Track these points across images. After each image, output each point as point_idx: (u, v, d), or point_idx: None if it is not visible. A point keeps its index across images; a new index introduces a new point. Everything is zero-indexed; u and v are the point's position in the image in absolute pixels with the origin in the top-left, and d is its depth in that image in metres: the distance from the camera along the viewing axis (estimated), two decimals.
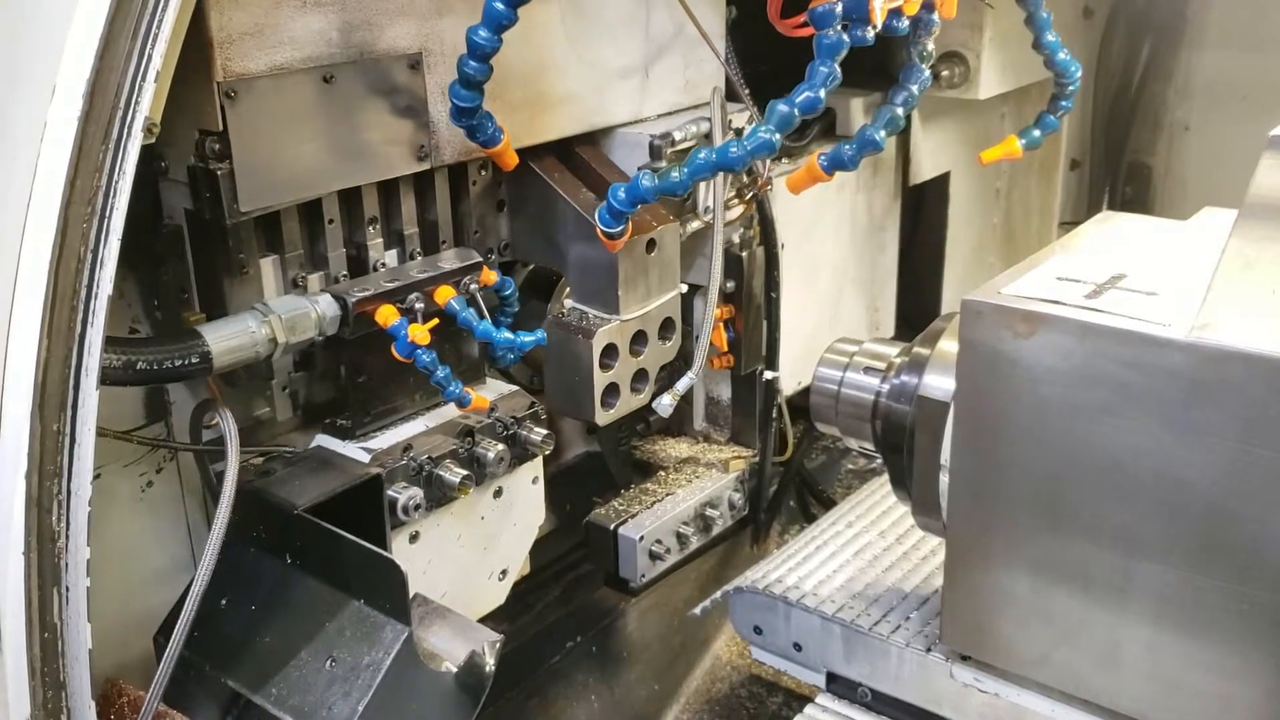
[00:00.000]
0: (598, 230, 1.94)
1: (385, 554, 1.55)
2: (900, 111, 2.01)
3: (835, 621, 2.21)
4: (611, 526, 2.36)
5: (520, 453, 2.04)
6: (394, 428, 1.92)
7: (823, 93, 1.77)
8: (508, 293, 1.99)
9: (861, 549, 2.45)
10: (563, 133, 2.15)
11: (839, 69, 1.78)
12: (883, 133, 2.00)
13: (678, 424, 2.69)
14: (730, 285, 2.46)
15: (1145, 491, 1.65)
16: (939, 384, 1.90)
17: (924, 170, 2.94)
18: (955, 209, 3.09)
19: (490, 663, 1.62)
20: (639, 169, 2.15)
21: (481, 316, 1.87)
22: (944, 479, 1.90)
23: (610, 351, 2.15)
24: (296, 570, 1.67)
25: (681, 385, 2.06)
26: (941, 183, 3.07)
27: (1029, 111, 3.18)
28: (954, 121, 3.01)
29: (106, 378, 1.46)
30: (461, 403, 1.86)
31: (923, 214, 3.09)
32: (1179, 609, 1.67)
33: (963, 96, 2.80)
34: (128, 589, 1.96)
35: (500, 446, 1.97)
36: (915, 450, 1.95)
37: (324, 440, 1.88)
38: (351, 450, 1.85)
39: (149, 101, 1.44)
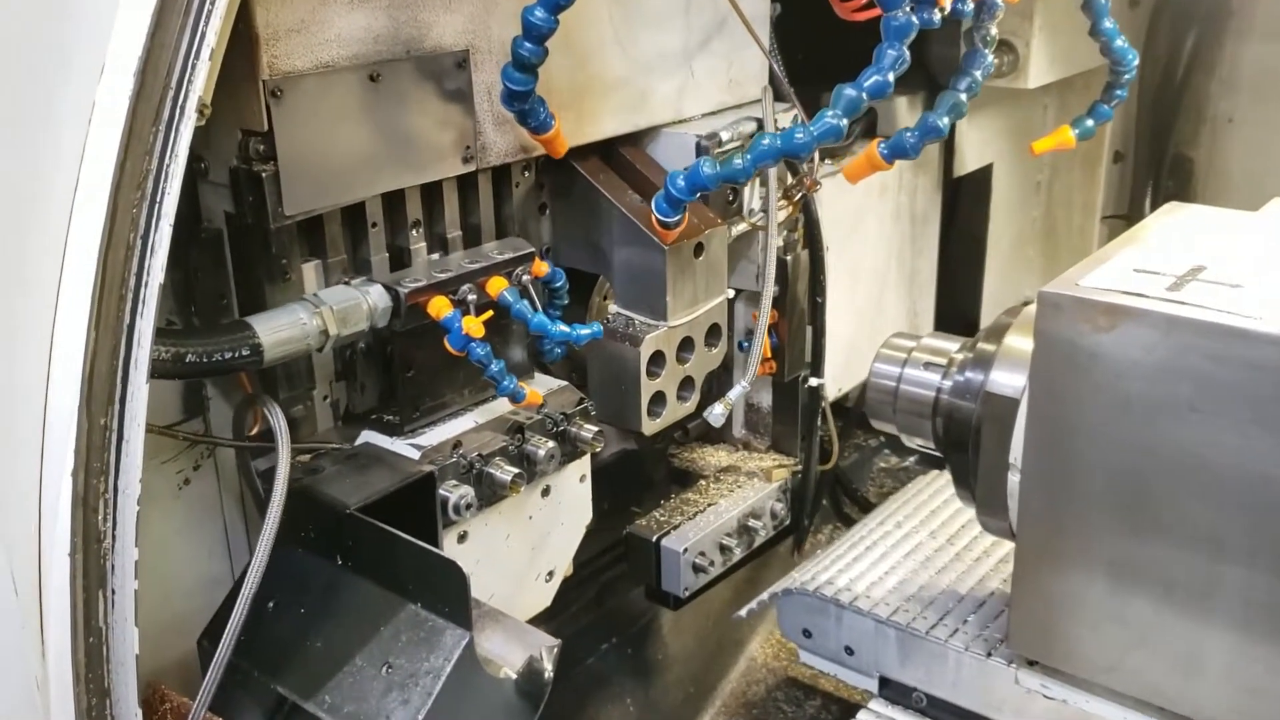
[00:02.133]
0: (653, 219, 1.87)
1: (446, 556, 1.49)
2: (964, 98, 1.95)
3: (890, 625, 2.15)
4: (654, 539, 2.29)
5: (569, 450, 1.97)
6: (443, 424, 1.86)
7: (891, 76, 1.71)
8: (559, 284, 1.92)
9: (912, 550, 2.38)
10: (607, 133, 2.08)
11: (908, 53, 1.71)
12: (946, 119, 1.94)
13: (717, 431, 2.61)
14: (775, 290, 2.39)
15: (1231, 490, 1.59)
16: (1007, 380, 1.84)
17: (968, 163, 2.88)
18: (997, 203, 3.02)
19: (549, 669, 1.56)
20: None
21: (535, 309, 1.80)
22: (1012, 478, 1.84)
23: (657, 359, 2.08)
24: (348, 572, 1.60)
25: (734, 394, 2.00)
26: (983, 176, 3.00)
27: (1072, 102, 3.12)
28: (998, 112, 2.94)
29: (155, 370, 1.40)
30: (516, 398, 1.79)
31: (961, 209, 3.02)
32: (1266, 614, 1.61)
33: (1012, 85, 2.73)
34: (164, 590, 1.89)
35: (550, 444, 1.90)
36: (981, 448, 1.89)
37: (371, 436, 1.81)
38: (400, 447, 1.78)
39: (202, 80, 1.37)
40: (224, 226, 1.74)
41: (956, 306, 3.09)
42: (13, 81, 1.31)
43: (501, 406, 1.92)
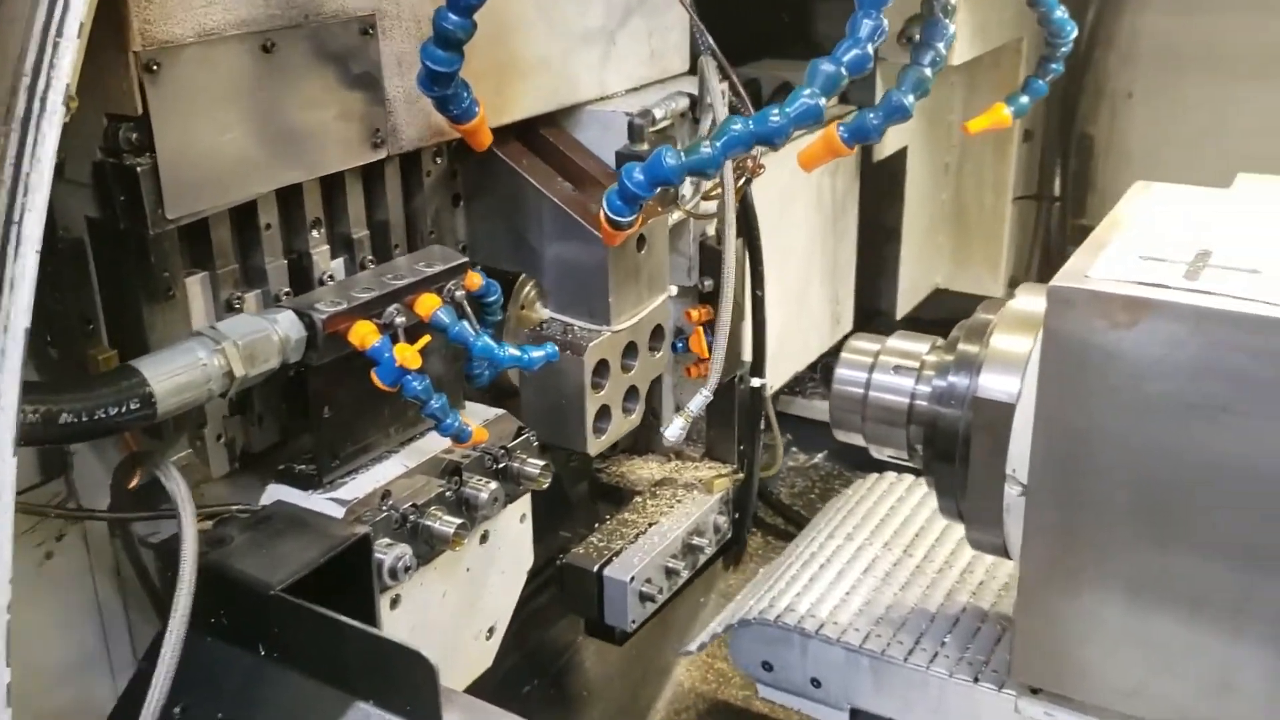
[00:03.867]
0: (601, 219, 1.63)
1: (405, 645, 1.21)
2: (929, 73, 1.76)
3: (864, 653, 1.96)
4: (595, 568, 2.04)
5: (511, 489, 1.71)
6: (366, 470, 1.57)
7: (870, 49, 1.52)
8: (492, 299, 1.66)
9: (870, 565, 2.21)
10: (528, 112, 1.84)
11: (885, 21, 1.52)
12: (911, 98, 1.74)
13: (645, 441, 2.38)
14: (708, 284, 2.17)
15: (1269, 495, 1.45)
16: (999, 384, 1.67)
17: (886, 145, 2.72)
18: (910, 187, 2.88)
19: None
20: (621, 151, 1.85)
21: (474, 328, 1.53)
22: (1010, 491, 1.67)
23: (601, 369, 1.85)
24: (274, 664, 1.31)
25: (696, 406, 1.78)
26: (897, 160, 2.85)
27: (980, 80, 3.00)
28: None
29: (24, 437, 1.09)
30: (460, 438, 1.53)
31: (876, 194, 2.86)
32: None
33: None
34: (26, 685, 1.56)
35: (493, 485, 1.64)
36: (971, 459, 1.71)
37: (281, 492, 1.52)
38: (320, 503, 1.50)
39: (70, 64, 1.07)
40: (85, 235, 1.44)
41: (871, 296, 2.93)
42: None
43: (433, 444, 1.64)
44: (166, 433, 1.49)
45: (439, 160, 1.79)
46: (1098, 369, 1.50)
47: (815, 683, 2.04)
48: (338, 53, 1.53)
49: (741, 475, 2.32)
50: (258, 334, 1.36)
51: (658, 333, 1.95)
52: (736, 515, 2.36)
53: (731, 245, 1.87)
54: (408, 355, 1.42)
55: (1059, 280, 1.52)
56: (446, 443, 1.64)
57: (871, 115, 1.75)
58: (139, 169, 1.33)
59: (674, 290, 2.00)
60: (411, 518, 1.55)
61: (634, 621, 2.09)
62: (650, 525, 2.18)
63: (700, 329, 2.16)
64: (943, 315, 3.32)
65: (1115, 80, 3.18)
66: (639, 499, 2.27)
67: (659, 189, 1.57)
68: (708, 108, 2.00)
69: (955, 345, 1.78)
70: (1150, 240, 1.63)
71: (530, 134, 1.88)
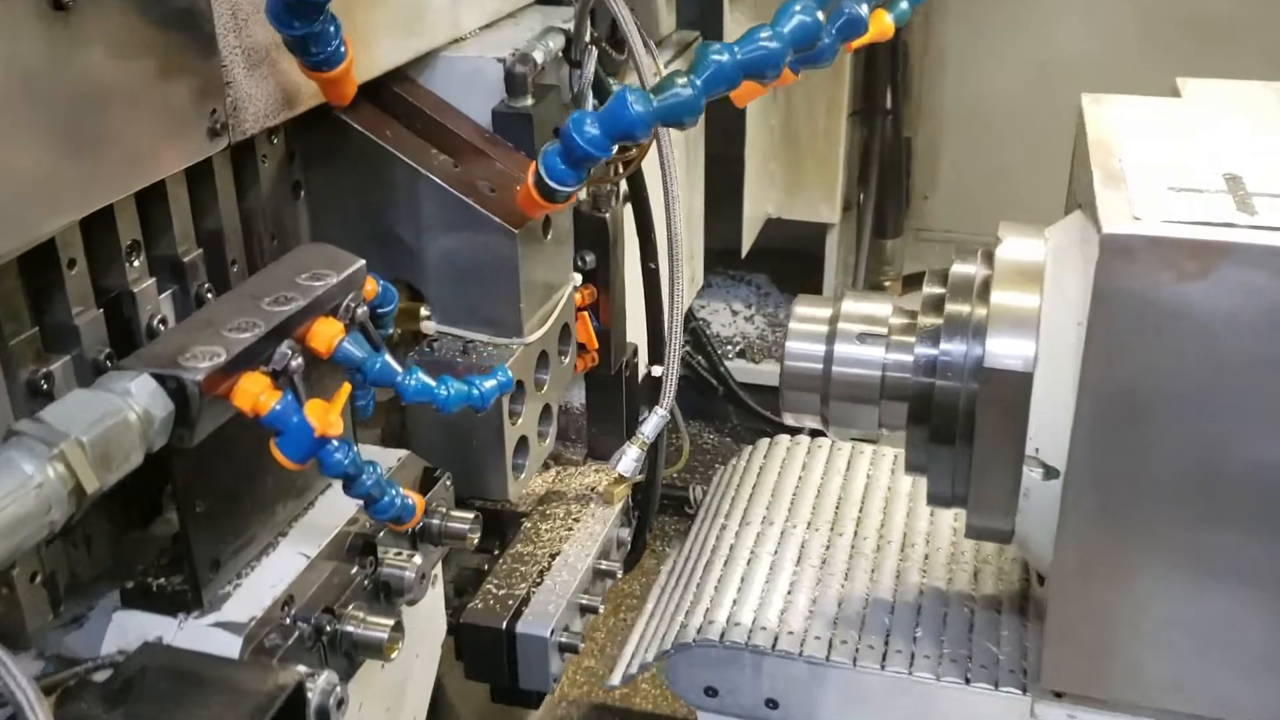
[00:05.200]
0: (529, 188, 1.22)
1: None
2: None
3: (832, 665, 1.69)
4: (504, 624, 1.65)
5: (429, 553, 1.30)
6: (254, 571, 1.13)
7: None
8: (388, 308, 1.22)
9: (801, 555, 1.93)
10: (389, 62, 1.42)
11: None
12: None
13: None
14: (589, 259, 1.78)
15: None
16: (1012, 349, 1.42)
17: None
18: (749, 117, 2.57)
19: None
20: (500, 110, 1.46)
21: (394, 361, 1.10)
22: (1030, 474, 1.42)
23: (516, 393, 1.46)
24: None
25: (650, 429, 1.43)
26: None
27: None
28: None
29: None
30: (402, 518, 1.11)
31: (714, 128, 2.53)
32: None
33: None
34: None
35: (416, 559, 1.23)
36: (977, 438, 1.45)
37: (138, 624, 1.05)
38: (203, 634, 1.05)
39: None
40: None
41: (712, 236, 2.62)
42: None
43: (328, 515, 1.21)
44: None
45: (275, 140, 1.33)
46: (1161, 328, 1.26)
47: (771, 703, 1.75)
48: (157, 6, 1.05)
49: (640, 476, 1.97)
50: (107, 419, 0.88)
51: (565, 334, 1.58)
52: (636, 520, 2.03)
53: (678, 209, 1.51)
54: (328, 418, 0.98)
55: (1112, 226, 1.25)
56: (343, 511, 1.21)
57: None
58: None
59: (579, 279, 1.61)
60: (329, 628, 1.12)
61: (555, 680, 1.72)
62: (552, 557, 1.80)
63: (584, 314, 1.78)
64: (777, 247, 3.11)
65: None
66: (528, 523, 1.88)
67: (618, 144, 1.18)
68: (586, 49, 1.60)
69: (938, 305, 1.50)
70: (1167, 168, 1.40)
71: (383, 95, 1.44)
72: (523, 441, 1.51)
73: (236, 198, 1.29)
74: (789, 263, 3.25)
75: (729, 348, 3.15)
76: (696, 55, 1.17)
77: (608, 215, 1.78)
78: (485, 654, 1.68)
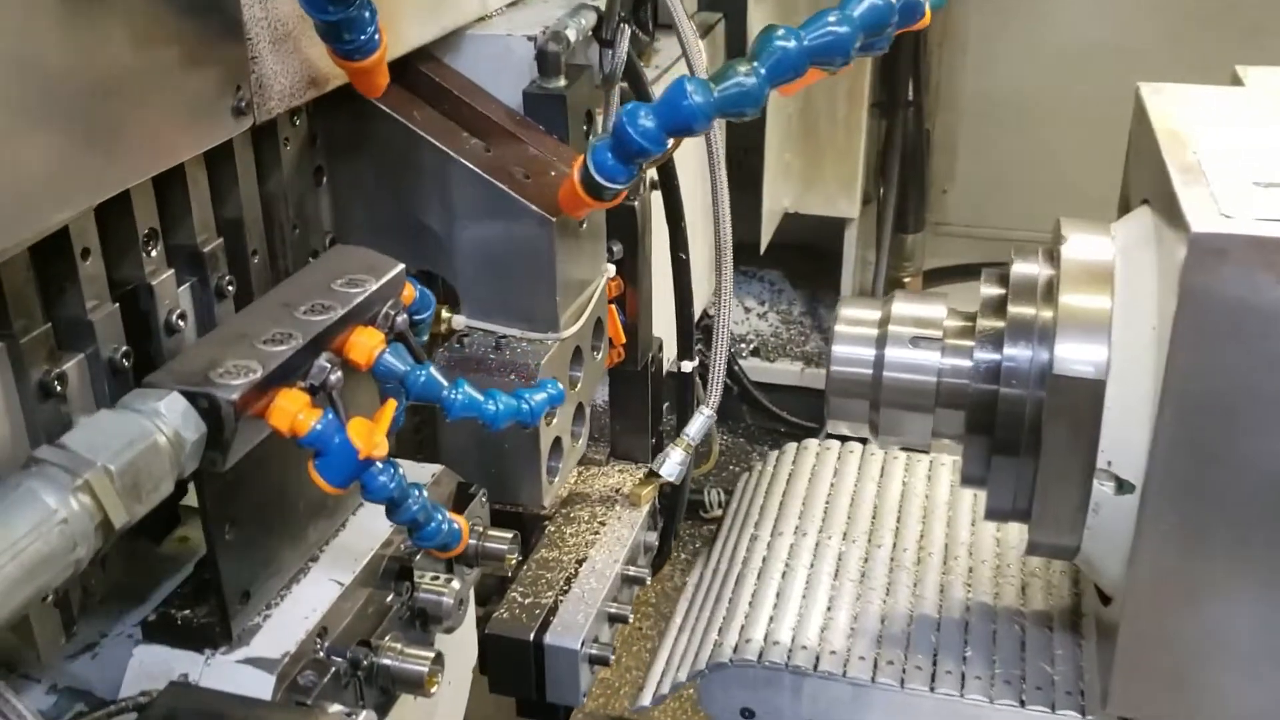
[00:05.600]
0: (575, 185, 1.13)
1: None
2: None
3: (878, 687, 1.60)
4: (531, 636, 1.56)
5: (465, 575, 1.21)
6: (285, 601, 1.03)
7: None
8: (425, 314, 1.13)
9: (838, 568, 1.84)
10: (416, 39, 1.33)
11: None
12: None
13: None
14: (616, 249, 1.69)
15: None
16: (1083, 355, 1.33)
17: None
18: (770, 107, 2.48)
19: None
20: (531, 91, 1.37)
21: (440, 375, 1.01)
22: (1102, 487, 1.34)
23: None
24: None
25: (696, 430, 1.34)
26: None
27: None
28: None
29: None
30: (449, 544, 1.01)
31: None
32: None
33: None
34: None
35: (454, 583, 1.14)
36: (1044, 450, 1.37)
37: (163, 660, 0.96)
38: (233, 671, 0.96)
39: None
40: None
41: (732, 233, 2.53)
42: None
43: (361, 539, 1.12)
44: None
45: (297, 122, 1.24)
46: (1257, 334, 1.17)
47: None
48: None
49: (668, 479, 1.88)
50: (136, 444, 0.79)
51: (598, 328, 1.49)
52: (662, 524, 1.93)
53: (724, 193, 1.42)
54: (373, 438, 0.89)
55: (1201, 225, 1.17)
56: (377, 533, 1.12)
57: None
58: None
59: (611, 270, 1.53)
60: (365, 661, 1.03)
61: (584, 695, 1.63)
62: (579, 563, 1.71)
63: (612, 308, 1.69)
64: (792, 242, 3.02)
65: None
66: (551, 527, 1.79)
67: (674, 138, 1.09)
68: (619, 27, 1.51)
69: (999, 307, 1.42)
70: (1247, 161, 1.32)
71: (409, 75, 1.35)
72: (556, 443, 1.43)
73: (258, 184, 1.20)
74: (804, 259, 3.16)
75: (742, 346, 3.07)
76: (759, 41, 1.08)
77: (636, 203, 1.69)
78: (512, 667, 1.59)
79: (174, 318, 1.07)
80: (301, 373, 0.92)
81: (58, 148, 0.88)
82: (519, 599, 1.65)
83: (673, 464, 1.42)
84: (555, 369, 1.39)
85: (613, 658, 1.67)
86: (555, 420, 1.41)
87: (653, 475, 1.89)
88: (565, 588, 1.67)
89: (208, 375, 0.87)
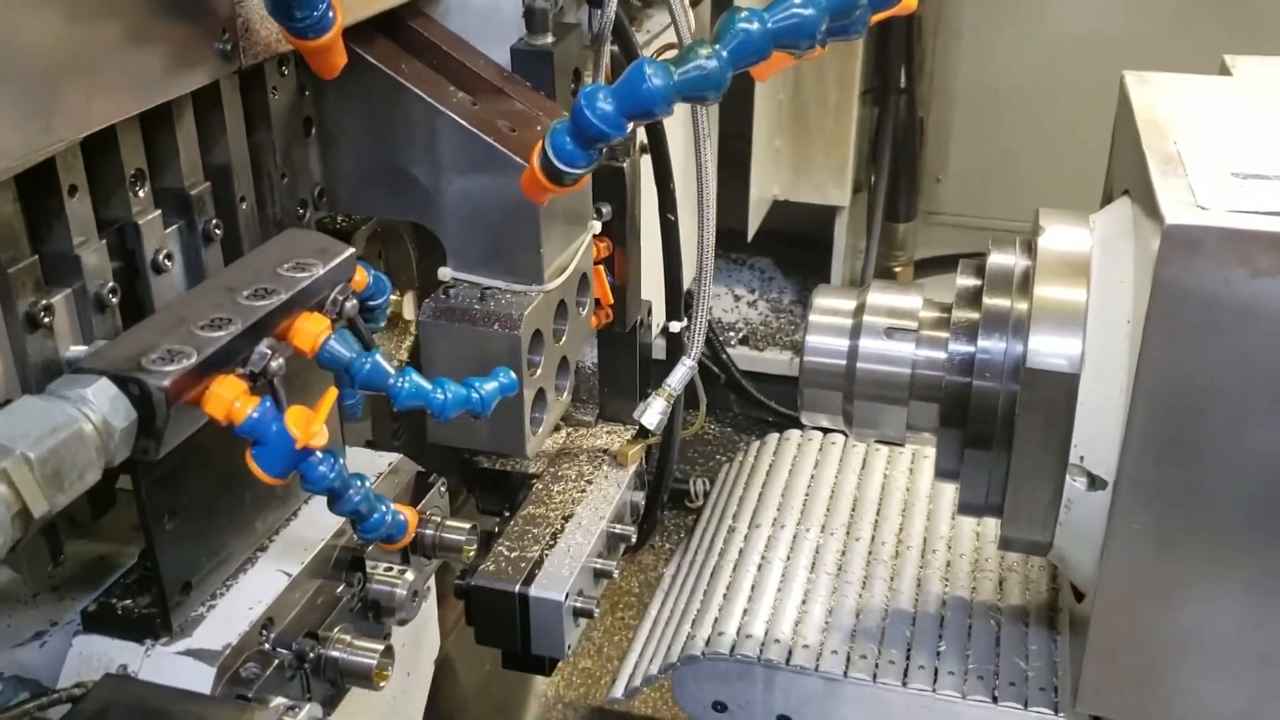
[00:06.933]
0: (534, 170, 1.11)
1: None
2: None
3: (850, 682, 1.59)
4: (516, 588, 1.55)
5: (421, 566, 1.19)
6: (230, 591, 1.02)
7: None
8: (380, 301, 1.11)
9: (815, 561, 1.83)
10: None
11: None
12: None
13: None
14: (604, 210, 1.68)
15: None
16: (1056, 348, 1.32)
17: None
18: (758, 91, 2.45)
19: None
20: (519, 48, 1.41)
21: (387, 362, 0.98)
22: (1074, 483, 1.31)
23: (535, 342, 1.42)
24: None
25: (677, 380, 1.34)
26: None
27: None
28: None
29: None
30: (394, 536, 0.99)
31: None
32: None
33: None
34: None
35: (408, 574, 1.12)
36: (1016, 445, 1.34)
37: (100, 649, 0.94)
38: (172, 663, 0.94)
39: None
40: None
41: (721, 220, 2.50)
42: None
43: (310, 529, 1.10)
44: None
45: (285, 71, 1.25)
46: (1229, 327, 1.16)
47: None
48: None
49: (655, 438, 1.86)
50: (59, 431, 0.77)
51: (583, 284, 1.49)
52: (649, 486, 1.92)
53: (711, 154, 1.41)
54: (311, 427, 0.86)
55: (1176, 217, 1.14)
56: (328, 523, 1.10)
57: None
58: None
59: (597, 226, 1.53)
60: (311, 652, 1.01)
61: (570, 647, 1.62)
62: (565, 519, 1.70)
63: (599, 269, 1.68)
64: (782, 229, 2.99)
65: None
66: (539, 485, 1.77)
67: (633, 123, 1.06)
68: None
69: (974, 298, 1.39)
70: (1227, 152, 1.29)
71: (397, 29, 1.35)
72: (540, 395, 1.44)
73: (246, 132, 1.20)
74: (794, 246, 3.13)
75: (731, 334, 3.04)
76: (722, 23, 1.05)
77: (625, 165, 1.69)
78: (497, 618, 1.59)
79: (161, 258, 1.07)
80: (240, 359, 0.90)
81: (40, 76, 0.89)
82: (505, 553, 1.65)
83: (654, 413, 1.42)
84: (539, 321, 1.41)
85: (597, 611, 1.66)
86: (540, 372, 1.42)
87: (640, 435, 1.88)
88: (551, 542, 1.66)
89: (140, 361, 0.85)
